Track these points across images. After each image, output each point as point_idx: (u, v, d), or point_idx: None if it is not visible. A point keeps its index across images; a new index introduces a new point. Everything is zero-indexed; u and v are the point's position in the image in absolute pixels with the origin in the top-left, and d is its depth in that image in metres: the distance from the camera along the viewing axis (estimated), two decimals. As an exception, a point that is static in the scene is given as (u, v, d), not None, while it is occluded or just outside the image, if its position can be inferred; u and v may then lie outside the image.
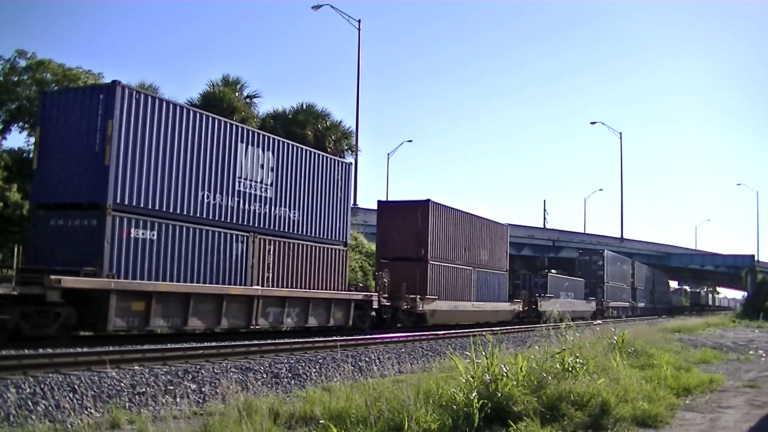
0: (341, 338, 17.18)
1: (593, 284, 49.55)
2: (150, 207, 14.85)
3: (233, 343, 14.33)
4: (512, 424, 6.84)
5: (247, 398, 7.32)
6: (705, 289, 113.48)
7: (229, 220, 16.83)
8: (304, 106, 41.64)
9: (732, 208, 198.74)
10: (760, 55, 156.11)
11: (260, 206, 17.88)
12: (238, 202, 17.19)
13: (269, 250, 17.87)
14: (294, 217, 19.12)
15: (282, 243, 18.38)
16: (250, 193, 17.59)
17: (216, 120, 16.76)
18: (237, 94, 37.23)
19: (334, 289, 20.20)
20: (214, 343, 14.11)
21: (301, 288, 18.84)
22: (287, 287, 18.36)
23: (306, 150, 20.14)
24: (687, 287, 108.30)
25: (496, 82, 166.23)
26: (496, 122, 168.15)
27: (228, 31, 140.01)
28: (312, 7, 37.09)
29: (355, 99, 38.02)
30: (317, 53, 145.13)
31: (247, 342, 14.88)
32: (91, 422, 7.29)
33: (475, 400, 6.79)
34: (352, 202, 42.18)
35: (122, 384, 9.60)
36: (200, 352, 12.61)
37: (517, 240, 63.32)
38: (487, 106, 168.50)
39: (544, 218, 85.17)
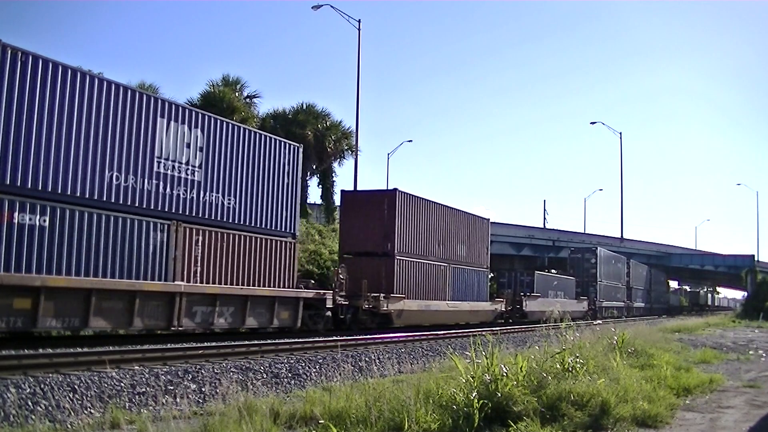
0: (341, 338, 17.17)
1: (586, 283, 47.67)
2: (40, 188, 12.80)
3: (233, 343, 14.33)
4: (512, 424, 6.84)
5: (247, 398, 7.32)
6: (705, 289, 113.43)
7: (145, 206, 14.85)
8: (304, 106, 41.70)
9: (732, 208, 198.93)
10: (760, 55, 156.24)
11: (186, 191, 15.93)
12: (157, 185, 15.18)
13: (197, 240, 15.94)
14: (229, 204, 17.15)
15: (214, 233, 16.39)
16: (172, 176, 15.58)
17: (129, 90, 14.76)
18: (237, 94, 37.30)
19: (279, 286, 18.21)
20: (214, 343, 14.11)
21: (237, 284, 16.89)
22: (220, 283, 16.42)
23: (244, 129, 18.13)
24: (686, 287, 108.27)
25: (496, 82, 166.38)
26: (495, 122, 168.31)
27: (228, 31, 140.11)
28: (312, 7, 37.04)
29: (355, 99, 37.97)
30: (317, 53, 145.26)
31: (247, 342, 14.88)
32: (91, 422, 7.29)
33: (475, 400, 6.79)
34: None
35: (122, 384, 9.60)
36: (200, 352, 12.60)
37: (517, 240, 63.44)
38: (487, 106, 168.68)
39: (544, 218, 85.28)
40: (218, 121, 17.13)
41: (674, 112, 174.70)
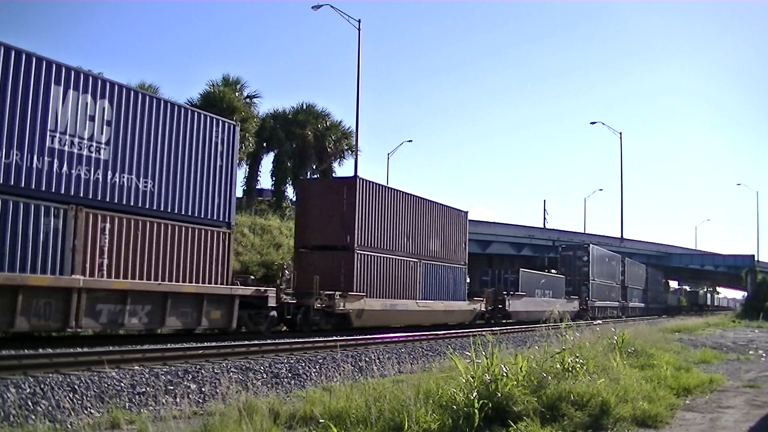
0: (341, 338, 17.17)
1: (577, 282, 45.37)
2: None
3: (233, 343, 14.33)
4: (512, 424, 6.84)
5: (247, 398, 7.32)
6: (704, 289, 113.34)
7: (33, 187, 12.80)
8: (304, 106, 41.69)
9: (732, 208, 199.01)
10: (760, 55, 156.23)
11: (89, 171, 13.81)
12: (50, 163, 13.12)
13: (104, 228, 13.90)
14: (146, 187, 14.96)
15: (126, 221, 14.29)
16: (71, 153, 13.47)
17: (12, 51, 12.56)
18: (237, 94, 37.28)
19: (209, 282, 16.22)
20: (214, 343, 14.11)
21: (157, 279, 14.86)
22: (135, 278, 14.36)
23: (165, 102, 15.87)
24: (686, 287, 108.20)
25: (496, 82, 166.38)
26: (495, 122, 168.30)
27: (228, 31, 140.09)
28: (312, 7, 37.07)
29: (355, 99, 37.98)
30: (317, 53, 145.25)
31: (247, 342, 14.88)
32: (91, 422, 7.29)
33: (475, 400, 6.79)
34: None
35: (122, 384, 9.60)
36: (200, 352, 12.60)
37: (517, 240, 63.47)
38: (487, 106, 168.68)
39: (544, 218, 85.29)
40: (132, 92, 14.90)
41: (674, 112, 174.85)
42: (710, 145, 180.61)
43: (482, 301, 30.45)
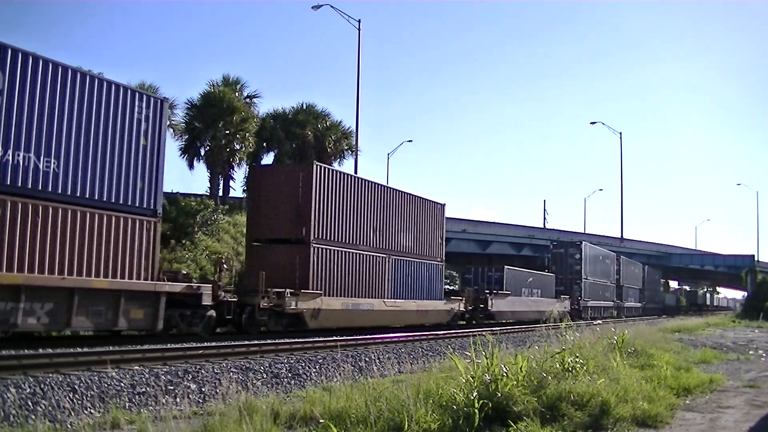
0: (341, 338, 17.17)
1: (569, 280, 43.35)
2: None
3: (233, 343, 14.34)
4: (512, 424, 6.84)
5: (247, 398, 7.32)
6: (704, 289, 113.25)
7: None
8: (304, 106, 41.71)
9: (732, 208, 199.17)
10: (761, 53, 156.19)
11: None
12: None
13: None
14: (48, 168, 13.03)
15: (20, 206, 12.44)
16: None
17: None
18: (237, 94, 37.28)
19: (130, 277, 14.29)
20: (214, 343, 14.11)
21: (60, 273, 12.97)
22: (33, 272, 12.55)
23: (74, 71, 13.78)
24: (686, 287, 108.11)
25: (496, 81, 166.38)
26: (495, 122, 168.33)
27: (228, 31, 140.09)
28: (312, 7, 37.08)
29: (355, 99, 37.99)
30: (317, 53, 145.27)
31: (247, 342, 14.89)
32: (91, 422, 7.29)
33: (475, 400, 6.79)
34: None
35: (122, 384, 9.61)
36: (200, 352, 12.61)
37: (517, 240, 63.51)
38: (487, 106, 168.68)
39: (544, 218, 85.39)
40: (30, 57, 12.82)
41: (674, 111, 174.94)
42: (710, 145, 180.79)
43: (461, 300, 28.58)
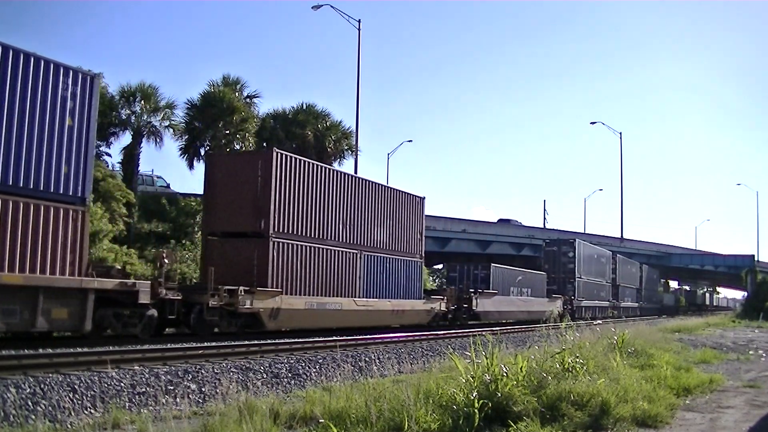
0: (341, 338, 17.17)
1: (562, 280, 41.77)
2: None
3: (233, 343, 14.34)
4: (512, 424, 6.85)
5: (247, 398, 7.33)
6: (704, 289, 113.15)
7: None
8: (304, 106, 41.69)
9: (732, 208, 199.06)
10: (761, 53, 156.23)
11: None
12: None
13: None
14: None
15: None
16: None
17: None
18: (237, 94, 37.27)
19: (52, 273, 12.93)
20: (214, 343, 14.11)
21: None
22: None
23: None
24: (686, 287, 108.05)
25: (496, 81, 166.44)
26: (495, 122, 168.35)
27: (228, 31, 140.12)
28: (312, 7, 37.09)
29: (355, 99, 37.99)
30: (317, 53, 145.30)
31: (247, 342, 14.89)
32: (91, 422, 7.29)
33: (475, 400, 6.80)
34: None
35: (122, 384, 9.61)
36: (200, 352, 12.61)
37: (517, 240, 63.54)
38: (487, 105, 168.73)
39: (544, 218, 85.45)
40: None
41: (674, 111, 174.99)
42: (710, 145, 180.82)
43: (442, 300, 26.93)
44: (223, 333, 16.77)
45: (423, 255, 26.20)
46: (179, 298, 15.71)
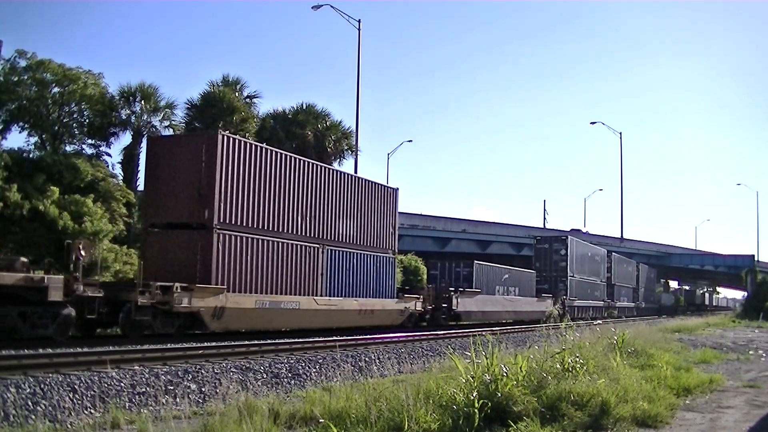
0: (341, 338, 17.17)
1: (554, 278, 39.99)
2: None
3: (233, 343, 14.34)
4: (512, 424, 6.85)
5: (247, 398, 7.33)
6: (703, 289, 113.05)
7: None
8: (304, 106, 41.70)
9: (732, 208, 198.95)
10: (761, 52, 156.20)
11: None
12: None
13: None
14: None
15: None
16: None
17: None
18: (237, 94, 37.26)
19: None
20: (214, 343, 14.11)
21: None
22: None
23: None
24: (685, 287, 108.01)
25: (496, 81, 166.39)
26: (495, 121, 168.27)
27: (228, 31, 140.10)
28: (312, 7, 37.09)
29: (355, 99, 38.00)
30: (317, 53, 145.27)
31: (247, 342, 14.88)
32: (91, 422, 7.29)
33: (475, 400, 6.80)
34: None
35: (122, 384, 9.61)
36: (200, 352, 12.61)
37: (517, 240, 63.55)
38: (487, 105, 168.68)
39: (544, 218, 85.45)
40: None
41: (674, 111, 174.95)
42: (711, 145, 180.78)
43: (418, 299, 25.21)
44: (158, 335, 15.15)
45: (396, 250, 24.70)
46: (100, 295, 14.18)
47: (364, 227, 22.49)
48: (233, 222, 17.06)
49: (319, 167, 21.00)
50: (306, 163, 20.30)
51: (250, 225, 17.60)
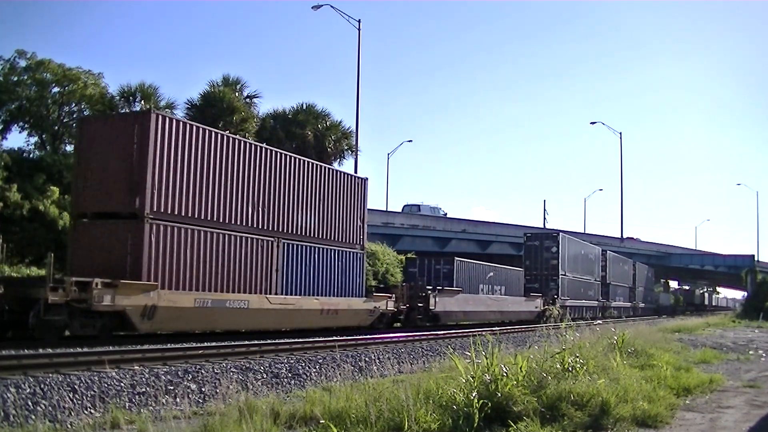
0: (341, 338, 17.17)
1: (545, 277, 38.47)
2: None
3: (233, 343, 14.33)
4: (512, 424, 6.85)
5: (247, 398, 7.33)
6: (703, 289, 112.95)
7: None
8: (304, 106, 41.74)
9: (732, 208, 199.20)
10: (761, 53, 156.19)
11: None
12: None
13: None
14: None
15: None
16: None
17: None
18: (237, 94, 37.30)
19: None
20: (214, 343, 14.11)
21: None
22: None
23: None
24: (685, 287, 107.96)
25: (496, 81, 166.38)
26: (495, 121, 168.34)
27: (228, 31, 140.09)
28: (312, 7, 37.13)
29: (355, 99, 38.00)
30: (317, 53, 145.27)
31: (247, 342, 14.88)
32: (91, 422, 7.29)
33: (475, 400, 6.80)
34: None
35: (122, 384, 9.60)
36: (200, 352, 12.60)
37: (517, 240, 63.33)
38: (487, 105, 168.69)
39: (544, 218, 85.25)
40: None
41: (674, 111, 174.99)
42: (711, 145, 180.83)
43: (390, 298, 23.48)
44: (76, 337, 13.59)
45: (365, 245, 22.87)
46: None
47: (328, 220, 20.84)
48: (170, 211, 15.46)
49: (274, 153, 19.01)
50: (259, 148, 18.51)
51: (190, 215, 15.98)
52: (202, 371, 10.98)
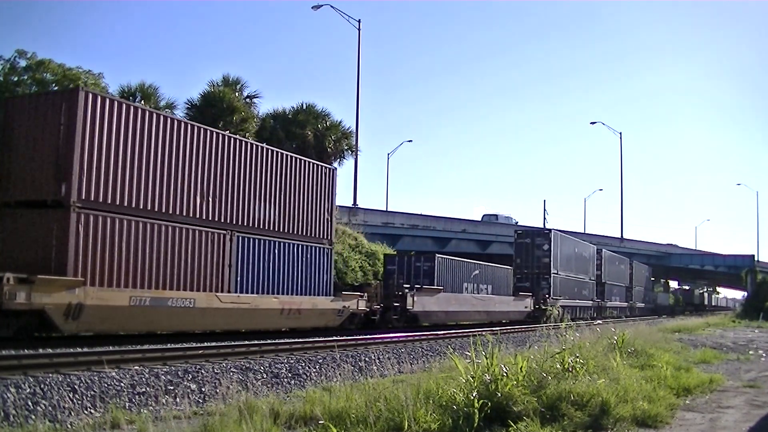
0: (341, 338, 17.17)
1: (536, 276, 36.90)
2: None
3: (233, 343, 14.33)
4: (512, 424, 6.85)
5: (247, 398, 7.33)
6: (702, 289, 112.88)
7: None
8: (304, 106, 41.76)
9: (732, 208, 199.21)
10: (760, 54, 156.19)
11: None
12: None
13: None
14: None
15: None
16: None
17: None
18: (237, 94, 37.29)
19: None
20: (214, 343, 14.11)
21: None
22: None
23: None
24: (685, 286, 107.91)
25: (496, 81, 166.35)
26: (496, 123, 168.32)
27: (228, 31, 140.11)
28: (312, 7, 37.22)
29: (355, 99, 38.06)
30: (317, 53, 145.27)
31: (247, 342, 14.89)
32: (91, 422, 7.29)
33: (475, 400, 6.79)
34: (351, 202, 38.65)
35: (122, 384, 9.61)
36: (200, 352, 12.61)
37: (517, 240, 63.44)
38: (487, 106, 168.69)
39: (544, 218, 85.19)
40: None
41: (674, 112, 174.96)
42: (710, 145, 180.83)
43: (361, 297, 22.04)
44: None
45: (333, 240, 21.52)
46: None
47: (291, 212, 19.29)
48: (102, 200, 14.09)
49: (227, 138, 17.53)
50: (209, 132, 16.97)
51: (126, 204, 14.60)
52: (202, 371, 10.99)
